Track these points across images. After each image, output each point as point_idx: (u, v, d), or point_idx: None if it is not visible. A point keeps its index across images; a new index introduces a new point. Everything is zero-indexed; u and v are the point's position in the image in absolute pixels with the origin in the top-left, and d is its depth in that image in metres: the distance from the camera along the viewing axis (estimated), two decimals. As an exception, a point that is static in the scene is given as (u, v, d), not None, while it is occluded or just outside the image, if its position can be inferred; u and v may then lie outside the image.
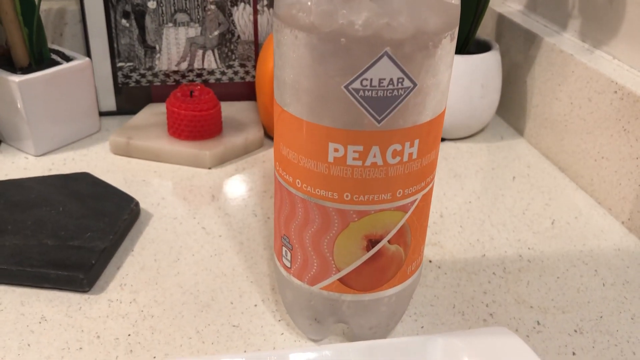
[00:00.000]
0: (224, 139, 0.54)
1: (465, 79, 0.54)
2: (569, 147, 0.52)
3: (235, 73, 0.61)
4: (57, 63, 0.52)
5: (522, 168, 0.54)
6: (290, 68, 0.27)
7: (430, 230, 0.45)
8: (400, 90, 0.26)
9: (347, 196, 0.29)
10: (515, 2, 0.64)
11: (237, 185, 0.50)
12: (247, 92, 0.62)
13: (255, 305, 0.38)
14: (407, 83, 0.26)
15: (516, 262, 0.42)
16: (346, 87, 0.26)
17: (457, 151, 0.57)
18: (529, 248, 0.44)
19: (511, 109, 0.61)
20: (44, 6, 0.58)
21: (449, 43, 0.27)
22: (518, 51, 0.59)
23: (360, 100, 0.26)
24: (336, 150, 0.28)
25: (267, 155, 0.55)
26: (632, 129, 0.45)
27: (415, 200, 0.30)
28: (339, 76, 0.26)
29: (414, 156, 0.28)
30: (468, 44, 0.56)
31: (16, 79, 0.49)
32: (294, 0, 0.26)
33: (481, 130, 0.60)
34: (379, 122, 0.27)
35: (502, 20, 0.62)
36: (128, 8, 0.57)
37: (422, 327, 0.36)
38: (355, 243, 0.30)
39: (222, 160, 0.53)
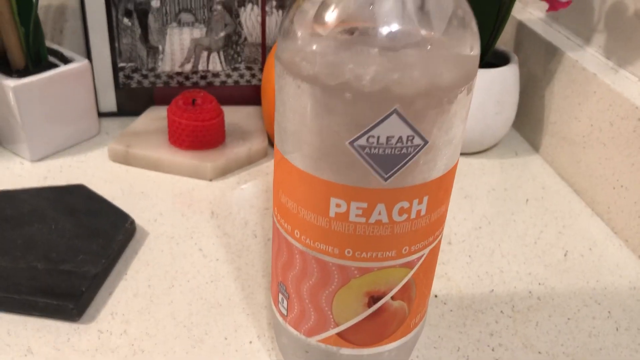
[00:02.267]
0: (226, 149, 0.52)
1: (481, 94, 0.52)
2: (586, 171, 0.50)
3: (241, 76, 0.59)
4: (54, 65, 0.50)
5: (536, 189, 0.52)
6: (291, 117, 0.25)
7: (437, 260, 0.43)
8: (409, 148, 0.24)
9: (348, 252, 0.27)
10: (536, 9, 0.61)
11: (238, 201, 0.48)
12: (252, 95, 0.59)
13: (251, 342, 0.36)
14: (417, 141, 0.24)
15: (525, 300, 0.40)
16: (351, 143, 0.24)
17: (469, 168, 0.54)
18: (539, 283, 0.42)
19: (527, 122, 0.59)
20: (42, 2, 0.56)
21: (465, 97, 0.24)
22: (537, 63, 0.56)
23: (366, 157, 0.24)
24: (338, 205, 0.25)
25: (270, 166, 0.53)
26: (655, 161, 0.43)
27: (422, 256, 0.28)
28: (343, 131, 0.24)
29: (422, 213, 0.26)
30: (486, 55, 0.54)
31: (11, 83, 0.47)
32: (297, 47, 0.24)
33: (495, 145, 0.58)
34: (385, 180, 0.25)
35: (522, 29, 0.59)
36: (130, 6, 0.54)
37: (424, 373, 0.35)
38: (356, 299, 0.28)
39: (224, 172, 0.51)
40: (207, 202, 0.48)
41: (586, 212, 0.49)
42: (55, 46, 0.54)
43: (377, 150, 0.24)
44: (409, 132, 0.23)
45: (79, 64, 0.51)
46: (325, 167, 0.25)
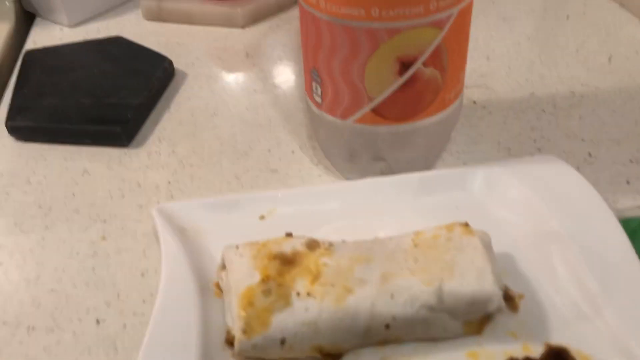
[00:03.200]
0: (256, -3, 0.51)
1: None
2: (631, -22, 0.48)
3: None
4: None
5: (578, 6, 0.50)
6: None
7: (475, 73, 0.43)
8: None
9: (375, 12, 0.26)
10: None
11: (271, 43, 0.48)
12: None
13: (293, 152, 0.37)
14: None
15: (568, 99, 0.40)
16: None
17: (506, -7, 0.52)
18: (582, 85, 0.41)
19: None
20: None
21: None
22: None
23: None
24: (360, -41, 0.25)
25: (302, 11, 0.52)
26: None
27: (451, 16, 0.27)
28: None
29: (447, -38, 0.26)
30: None
31: (39, -56, 0.48)
32: None
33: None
34: None
35: None
36: None
37: (464, 164, 0.35)
38: (387, 67, 0.28)
39: (256, 19, 0.51)
40: (241, 45, 0.48)
41: (633, 22, 0.47)
42: None
43: None
44: None
45: None
46: None
